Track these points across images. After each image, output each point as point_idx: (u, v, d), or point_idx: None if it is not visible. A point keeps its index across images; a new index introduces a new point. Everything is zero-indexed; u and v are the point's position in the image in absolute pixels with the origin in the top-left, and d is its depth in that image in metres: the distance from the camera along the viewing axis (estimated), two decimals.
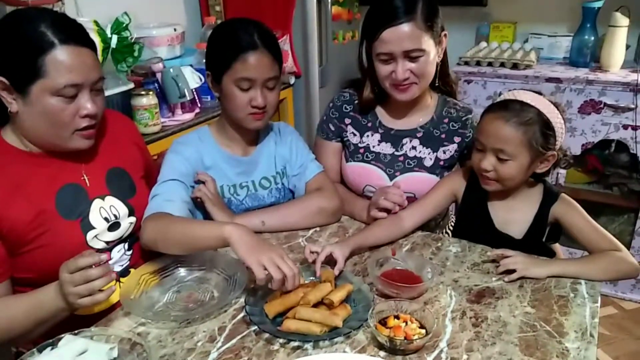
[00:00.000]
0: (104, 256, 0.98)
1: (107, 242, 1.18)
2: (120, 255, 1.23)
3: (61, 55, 1.02)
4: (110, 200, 1.20)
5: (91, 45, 1.10)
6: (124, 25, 1.62)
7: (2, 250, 1.06)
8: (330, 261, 1.16)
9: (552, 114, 1.18)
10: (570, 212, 1.26)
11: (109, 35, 1.59)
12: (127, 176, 1.26)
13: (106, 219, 1.18)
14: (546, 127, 1.18)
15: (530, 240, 1.28)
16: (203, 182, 1.34)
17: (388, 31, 1.32)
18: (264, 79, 1.29)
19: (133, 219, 1.23)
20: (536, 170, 1.24)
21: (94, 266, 0.97)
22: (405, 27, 1.31)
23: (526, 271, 1.16)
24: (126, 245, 1.24)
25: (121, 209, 1.21)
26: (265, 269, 1.01)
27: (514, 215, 1.30)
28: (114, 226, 1.19)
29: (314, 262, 1.16)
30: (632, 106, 2.20)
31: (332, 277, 1.12)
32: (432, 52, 1.36)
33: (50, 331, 1.03)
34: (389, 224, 1.34)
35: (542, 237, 1.31)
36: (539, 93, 1.22)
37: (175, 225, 1.16)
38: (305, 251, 1.18)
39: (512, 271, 1.17)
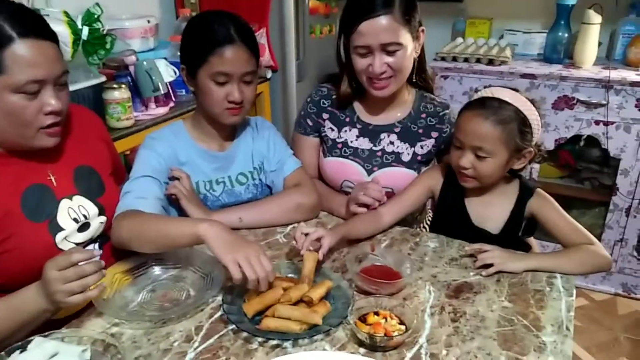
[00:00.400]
0: (97, 252, 0.94)
1: (77, 244, 1.13)
2: None
3: (20, 49, 0.96)
4: (79, 199, 1.15)
5: (53, 37, 1.03)
6: (96, 16, 1.57)
7: None
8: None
9: (529, 111, 1.19)
10: (545, 206, 1.27)
11: (80, 27, 1.54)
12: (96, 174, 1.22)
13: (75, 220, 1.13)
14: (523, 124, 1.19)
15: (506, 235, 1.30)
16: (177, 179, 1.32)
17: (365, 24, 1.31)
18: (241, 73, 1.26)
19: (103, 219, 1.19)
20: (513, 166, 1.25)
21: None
22: (383, 20, 1.30)
23: (503, 265, 1.17)
24: (96, 246, 1.19)
25: (90, 208, 1.16)
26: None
27: (490, 210, 1.31)
28: (83, 227, 1.15)
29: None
30: (604, 102, 2.24)
31: (314, 260, 1.11)
32: (410, 47, 1.36)
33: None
34: (369, 219, 1.34)
35: (519, 232, 1.32)
36: (515, 90, 1.23)
37: (149, 224, 1.13)
38: (297, 232, 1.16)
39: (490, 265, 1.18)
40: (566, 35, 2.46)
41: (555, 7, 2.47)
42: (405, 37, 1.34)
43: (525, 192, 1.29)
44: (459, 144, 1.24)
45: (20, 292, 0.98)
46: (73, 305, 0.96)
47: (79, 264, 0.93)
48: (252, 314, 1.00)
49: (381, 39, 1.32)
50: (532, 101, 1.21)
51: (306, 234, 1.15)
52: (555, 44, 2.49)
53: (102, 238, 1.20)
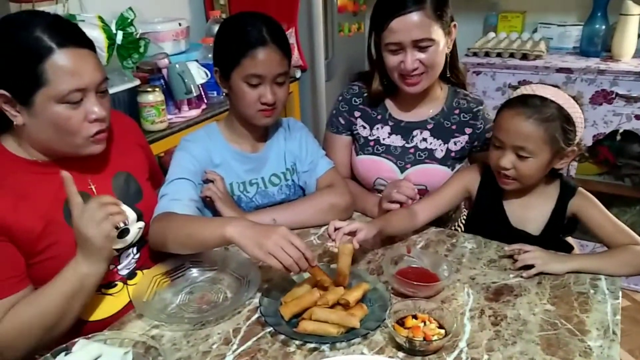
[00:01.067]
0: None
1: (117, 250, 1.14)
2: (128, 260, 1.20)
3: (61, 59, 0.96)
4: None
5: (90, 45, 1.04)
6: (129, 20, 1.60)
7: (19, 256, 1.02)
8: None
9: (572, 109, 1.15)
10: (588, 206, 1.23)
11: (114, 31, 1.57)
12: (133, 180, 1.23)
13: (115, 227, 1.14)
14: (567, 122, 1.15)
15: (547, 236, 1.26)
16: (212, 181, 1.33)
17: (397, 20, 1.30)
18: (274, 75, 1.26)
19: (142, 224, 1.19)
20: (555, 166, 1.21)
21: None
22: (415, 16, 1.29)
23: (545, 266, 1.14)
24: (134, 250, 1.20)
25: (129, 214, 1.16)
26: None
27: (530, 212, 1.27)
28: (123, 233, 1.15)
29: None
30: None
31: (350, 253, 1.09)
32: (442, 42, 1.34)
33: (63, 336, 1.00)
34: (403, 216, 1.32)
35: (560, 233, 1.28)
36: (556, 86, 1.19)
37: (179, 226, 1.14)
38: (330, 227, 1.14)
39: (531, 267, 1.14)
40: (603, 27, 2.38)
41: None
42: (437, 33, 1.32)
43: (567, 192, 1.25)
44: (499, 144, 1.21)
45: (61, 272, 1.01)
46: (105, 241, 0.99)
47: None
48: (289, 316, 1.00)
49: (413, 36, 1.30)
50: (574, 98, 1.17)
51: (339, 228, 1.14)
52: (592, 36, 2.41)
53: (140, 242, 1.22)
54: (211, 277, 1.17)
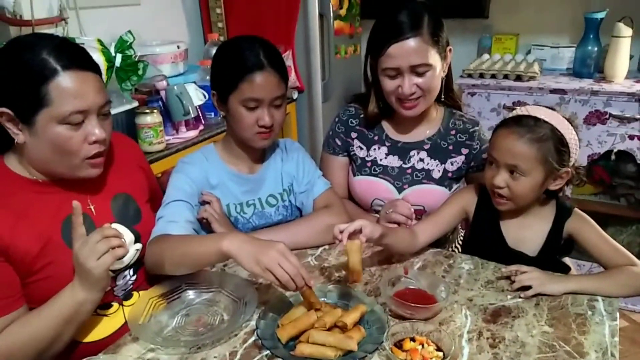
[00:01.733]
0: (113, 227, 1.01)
1: (113, 271, 1.13)
2: (125, 281, 1.19)
3: (65, 81, 0.98)
4: (116, 227, 1.14)
5: (95, 68, 1.06)
6: (128, 43, 1.62)
7: (15, 276, 1.02)
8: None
9: (566, 130, 1.17)
10: (584, 227, 1.24)
11: (113, 54, 1.58)
12: (133, 201, 1.23)
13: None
14: (560, 143, 1.16)
15: (544, 257, 1.26)
16: (208, 203, 1.33)
17: (395, 46, 1.31)
18: (271, 98, 1.27)
19: (139, 246, 1.19)
20: (549, 187, 1.22)
21: None
22: (412, 42, 1.31)
23: (543, 287, 1.14)
24: (131, 272, 1.20)
25: (127, 235, 1.15)
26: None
27: (527, 232, 1.27)
28: None
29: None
30: (638, 116, 2.19)
31: (359, 250, 1.11)
32: (438, 67, 1.36)
33: (56, 358, 1.00)
34: (404, 236, 1.31)
35: (556, 254, 1.28)
36: (552, 108, 1.21)
37: (175, 246, 1.13)
38: (335, 230, 1.14)
39: (528, 287, 1.14)
40: (596, 49, 2.42)
41: (583, 21, 2.43)
42: (434, 58, 1.34)
43: (563, 213, 1.26)
44: (494, 162, 1.22)
45: (58, 294, 1.01)
46: (104, 273, 0.99)
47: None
48: (286, 339, 0.99)
49: (411, 61, 1.32)
50: (569, 120, 1.19)
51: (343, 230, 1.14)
52: (584, 58, 2.45)
53: (137, 264, 1.21)
54: (207, 298, 1.17)
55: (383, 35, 1.34)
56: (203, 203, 1.33)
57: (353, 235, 1.13)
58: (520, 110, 1.22)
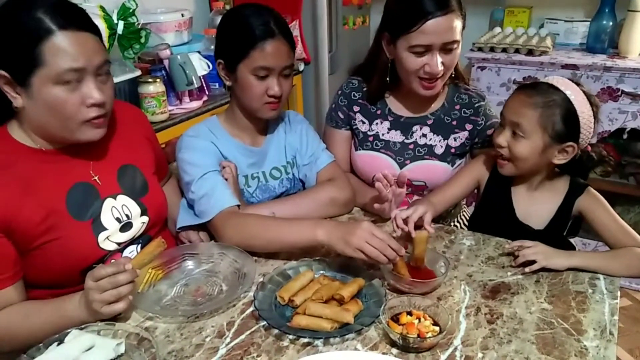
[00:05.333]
0: (129, 265, 0.96)
1: (118, 244, 1.13)
2: (131, 256, 1.19)
3: (60, 41, 0.95)
4: (122, 199, 1.15)
5: (93, 29, 1.02)
6: (131, 10, 1.58)
7: (12, 250, 1.01)
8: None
9: (581, 104, 1.15)
10: (595, 205, 1.22)
11: (115, 21, 1.56)
12: (139, 173, 1.21)
13: (118, 220, 1.13)
14: (569, 114, 1.14)
15: (551, 232, 1.25)
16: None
17: (431, 22, 1.26)
18: (282, 67, 1.26)
19: (145, 219, 1.18)
20: (553, 160, 1.20)
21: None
22: (446, 19, 1.27)
23: (547, 261, 1.13)
24: (138, 248, 1.19)
25: (133, 208, 1.16)
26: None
27: (537, 206, 1.27)
28: (126, 226, 1.14)
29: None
30: None
31: (426, 240, 1.14)
32: (461, 42, 1.33)
33: None
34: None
35: (564, 230, 1.27)
36: (577, 83, 1.19)
37: (265, 229, 1.19)
38: (397, 220, 1.19)
39: (532, 262, 1.13)
40: (610, 23, 2.35)
41: None
42: (460, 34, 1.31)
43: (575, 189, 1.24)
44: (502, 121, 1.24)
45: (65, 300, 1.00)
46: (108, 316, 0.97)
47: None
48: (287, 298, 1.03)
49: (444, 38, 1.28)
50: (589, 97, 1.17)
51: (405, 218, 1.18)
52: (598, 32, 2.38)
53: (143, 238, 1.20)
54: (207, 269, 1.17)
55: (413, 11, 1.28)
56: (222, 168, 1.34)
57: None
58: (544, 79, 1.22)
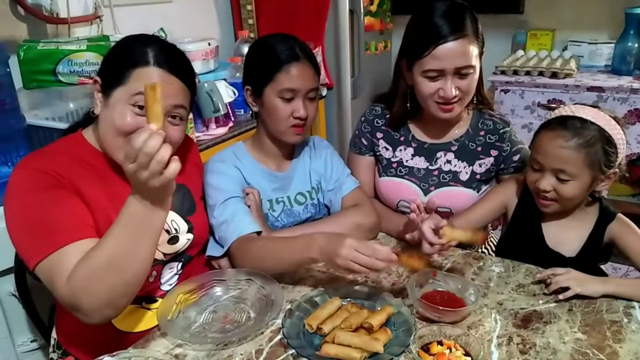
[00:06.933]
0: (153, 126, 0.87)
1: (164, 254, 1.18)
2: (171, 275, 1.22)
3: (149, 73, 1.06)
4: (172, 214, 1.20)
5: (185, 76, 1.12)
6: None
7: (88, 212, 1.04)
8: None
9: (614, 130, 1.13)
10: (627, 232, 1.20)
11: None
12: (189, 194, 1.27)
13: (167, 231, 1.18)
14: (608, 144, 1.13)
15: (582, 260, 1.22)
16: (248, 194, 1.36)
17: (441, 47, 1.27)
18: (307, 89, 1.29)
19: (190, 236, 1.23)
20: (597, 188, 1.18)
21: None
22: (459, 44, 1.27)
23: (581, 287, 1.10)
24: (179, 266, 1.22)
25: (181, 224, 1.21)
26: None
27: (567, 234, 1.24)
28: (173, 239, 1.19)
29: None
30: None
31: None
32: (478, 67, 1.33)
33: (89, 350, 1.02)
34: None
35: (595, 258, 1.25)
36: (596, 107, 1.17)
37: (267, 253, 1.22)
38: (427, 234, 1.15)
39: (565, 289, 1.11)
40: (636, 45, 2.34)
41: (623, 16, 2.35)
42: (476, 59, 1.31)
43: (606, 216, 1.22)
44: (538, 167, 1.19)
45: (126, 204, 0.95)
46: (167, 183, 0.90)
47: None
48: (316, 325, 1.02)
49: (456, 63, 1.28)
50: (615, 118, 1.15)
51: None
52: (624, 54, 2.37)
53: (185, 257, 1.23)
54: (235, 295, 1.17)
55: (426, 36, 1.29)
56: (246, 194, 1.36)
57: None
58: (563, 111, 1.18)
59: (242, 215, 1.27)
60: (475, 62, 1.31)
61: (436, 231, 1.15)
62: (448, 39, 1.27)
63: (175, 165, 0.89)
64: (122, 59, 1.09)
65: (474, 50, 1.29)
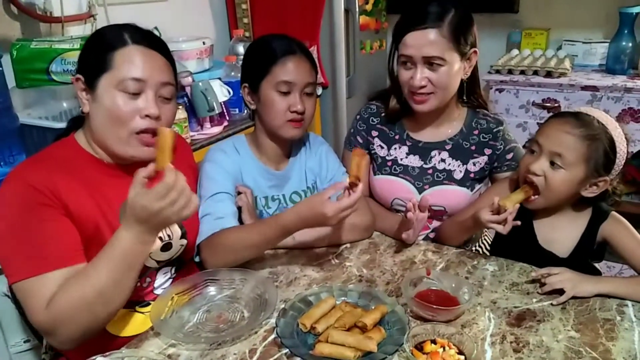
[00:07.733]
0: (169, 166, 0.94)
1: (157, 262, 1.18)
2: (165, 279, 1.22)
3: (130, 51, 1.05)
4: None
5: (165, 52, 1.11)
6: None
7: (77, 233, 1.03)
8: None
9: (619, 140, 1.15)
10: (620, 231, 1.20)
11: None
12: None
13: (160, 239, 1.16)
14: (611, 149, 1.14)
15: (575, 259, 1.23)
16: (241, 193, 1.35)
17: (412, 34, 1.31)
18: (303, 83, 1.30)
19: (184, 242, 1.22)
20: (583, 192, 1.19)
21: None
22: (429, 33, 1.30)
23: (575, 289, 1.10)
24: (173, 270, 1.22)
25: (175, 230, 1.20)
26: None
27: (560, 233, 1.25)
28: (166, 246, 1.19)
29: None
30: None
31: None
32: (456, 65, 1.34)
33: (81, 352, 1.01)
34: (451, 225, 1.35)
35: (589, 257, 1.25)
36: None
37: (237, 240, 1.20)
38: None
39: (559, 290, 1.11)
40: (630, 44, 2.35)
41: (617, 16, 2.36)
42: (451, 55, 1.31)
43: (599, 215, 1.23)
44: (537, 148, 1.20)
45: (110, 242, 0.97)
46: (196, 209, 1.01)
47: None
48: (309, 325, 1.02)
49: (424, 52, 1.30)
50: (626, 135, 1.17)
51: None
52: (618, 54, 2.38)
53: (179, 262, 1.23)
54: (229, 295, 1.17)
55: (404, 24, 1.34)
56: (238, 193, 1.36)
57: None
58: (579, 109, 1.20)
59: (223, 213, 1.25)
60: (449, 57, 1.31)
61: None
62: (419, 26, 1.30)
63: (196, 196, 0.98)
64: (99, 46, 1.07)
65: (446, 43, 1.30)
